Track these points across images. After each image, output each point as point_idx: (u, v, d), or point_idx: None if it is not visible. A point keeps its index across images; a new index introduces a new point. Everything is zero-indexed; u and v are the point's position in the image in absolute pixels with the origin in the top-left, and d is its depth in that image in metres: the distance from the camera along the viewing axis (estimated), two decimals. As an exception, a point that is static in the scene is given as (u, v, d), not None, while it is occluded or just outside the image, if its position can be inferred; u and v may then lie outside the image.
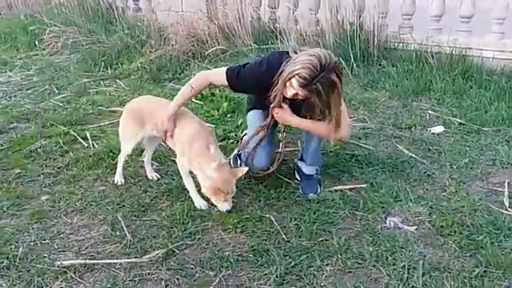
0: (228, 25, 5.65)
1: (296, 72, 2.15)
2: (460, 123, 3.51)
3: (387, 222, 2.33)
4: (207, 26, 5.63)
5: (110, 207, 2.56)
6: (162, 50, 5.48)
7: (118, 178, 2.84)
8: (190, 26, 5.66)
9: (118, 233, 2.32)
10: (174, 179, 2.84)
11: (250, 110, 2.78)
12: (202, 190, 2.40)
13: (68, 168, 3.06)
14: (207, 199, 2.46)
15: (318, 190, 2.62)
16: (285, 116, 2.45)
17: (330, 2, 4.96)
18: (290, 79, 2.20)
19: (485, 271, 1.96)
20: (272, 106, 2.44)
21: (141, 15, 6.97)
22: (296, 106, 2.42)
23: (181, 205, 2.54)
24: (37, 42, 6.65)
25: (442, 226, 2.26)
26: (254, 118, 2.72)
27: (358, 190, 2.63)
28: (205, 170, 2.30)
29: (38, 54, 6.40)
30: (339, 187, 2.67)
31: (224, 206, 2.37)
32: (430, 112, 3.77)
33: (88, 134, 3.57)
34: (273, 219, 2.37)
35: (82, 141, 3.47)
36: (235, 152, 2.93)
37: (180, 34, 5.56)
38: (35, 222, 2.43)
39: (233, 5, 5.64)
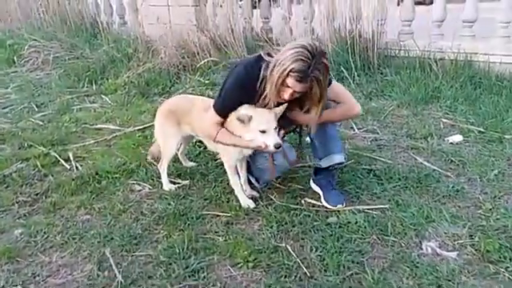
0: (219, 36, 5.38)
1: (289, 69, 2.00)
2: (479, 131, 3.23)
3: (423, 247, 2.00)
4: (197, 37, 5.34)
5: (95, 240, 2.18)
6: (150, 64, 5.16)
7: (168, 186, 2.70)
8: (180, 38, 5.35)
9: (106, 273, 1.94)
10: (169, 204, 2.49)
11: None
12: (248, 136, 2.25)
13: (47, 195, 2.68)
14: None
15: (344, 202, 2.37)
16: (300, 117, 2.28)
17: (326, 10, 4.72)
18: (283, 80, 2.04)
19: (550, 306, 1.64)
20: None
21: (127, 28, 6.65)
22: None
23: (179, 235, 2.18)
24: (15, 58, 6.25)
25: (488, 251, 1.94)
26: None
27: (383, 210, 2.30)
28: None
29: (16, 71, 6.01)
30: (360, 207, 2.35)
31: (270, 138, 2.18)
32: (443, 120, 3.50)
33: (71, 155, 3.20)
34: (290, 249, 2.02)
35: (63, 163, 3.10)
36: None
37: (169, 46, 5.25)
38: (6, 263, 2.05)
39: (224, 15, 5.38)
